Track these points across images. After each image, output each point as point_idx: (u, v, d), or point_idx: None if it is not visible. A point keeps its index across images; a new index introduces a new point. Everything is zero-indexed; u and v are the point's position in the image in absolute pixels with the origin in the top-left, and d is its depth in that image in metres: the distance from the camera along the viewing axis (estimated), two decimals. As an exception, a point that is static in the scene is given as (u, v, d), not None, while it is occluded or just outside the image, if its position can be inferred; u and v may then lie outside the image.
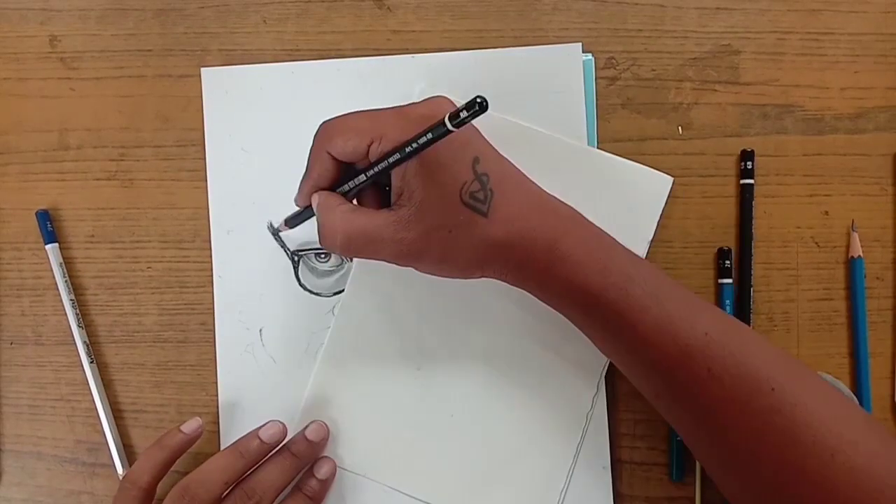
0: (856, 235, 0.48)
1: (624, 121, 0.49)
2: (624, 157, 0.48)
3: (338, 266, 0.49)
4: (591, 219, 0.43)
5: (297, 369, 0.48)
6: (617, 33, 0.50)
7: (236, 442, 0.46)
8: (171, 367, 0.50)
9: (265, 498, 0.43)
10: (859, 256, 0.48)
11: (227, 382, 0.49)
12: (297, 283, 0.49)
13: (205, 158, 0.50)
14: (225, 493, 0.44)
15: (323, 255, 0.49)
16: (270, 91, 0.50)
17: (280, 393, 0.48)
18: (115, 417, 0.49)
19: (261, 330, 0.49)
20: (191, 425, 0.46)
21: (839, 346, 0.48)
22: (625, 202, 0.48)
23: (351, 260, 0.49)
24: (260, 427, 0.46)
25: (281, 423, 0.46)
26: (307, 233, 0.49)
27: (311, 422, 0.47)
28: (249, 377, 0.49)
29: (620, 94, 0.49)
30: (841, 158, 0.49)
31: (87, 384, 0.49)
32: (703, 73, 0.50)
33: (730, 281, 0.48)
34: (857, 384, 0.48)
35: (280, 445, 0.46)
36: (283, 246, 0.49)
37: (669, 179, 0.48)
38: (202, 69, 0.50)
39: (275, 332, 0.49)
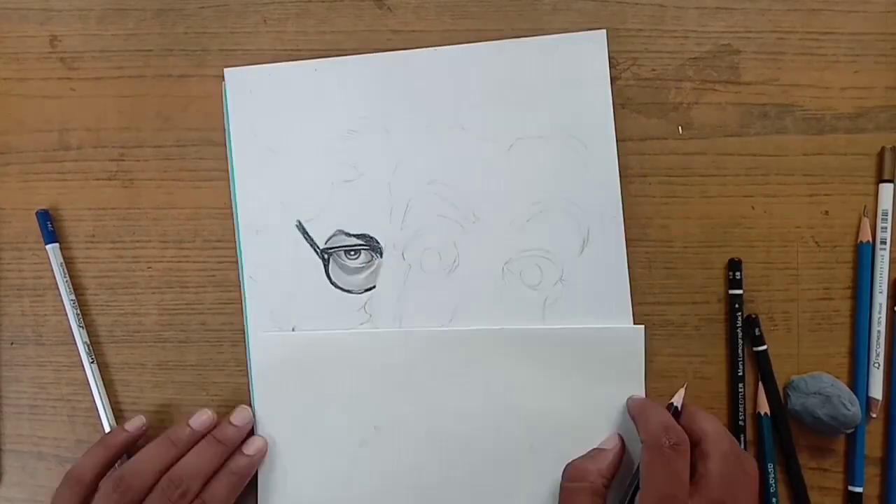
0: (867, 221, 0.48)
1: (624, 121, 0.49)
2: (585, 325, 0.48)
3: (367, 262, 0.49)
4: (576, 396, 0.47)
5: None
6: (617, 33, 0.50)
7: (167, 431, 0.46)
8: (172, 367, 0.50)
9: (192, 485, 0.44)
10: (868, 241, 0.48)
11: (259, 384, 0.49)
12: (327, 281, 0.49)
13: (205, 159, 0.50)
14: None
15: (352, 252, 0.49)
16: (294, 89, 0.50)
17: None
18: (116, 417, 0.49)
19: (293, 328, 0.49)
20: (134, 423, 0.47)
21: (839, 345, 0.48)
22: (607, 369, 0.48)
23: (381, 255, 0.49)
24: (190, 415, 0.47)
25: (210, 411, 0.47)
26: (335, 230, 0.49)
27: (237, 407, 0.48)
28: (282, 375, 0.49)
29: (620, 94, 0.49)
30: (841, 158, 0.49)
31: (88, 384, 0.49)
32: (703, 72, 0.50)
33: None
34: (855, 380, 0.48)
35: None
36: (313, 244, 0.49)
37: (640, 329, 0.48)
38: (225, 70, 0.50)
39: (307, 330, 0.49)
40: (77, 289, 0.50)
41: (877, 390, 0.47)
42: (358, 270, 0.49)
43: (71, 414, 0.50)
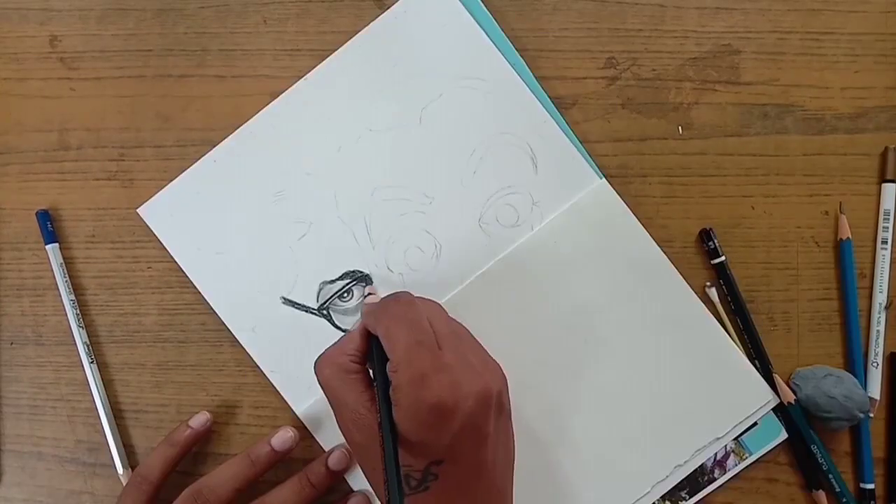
0: (843, 217, 0.48)
1: (624, 121, 0.49)
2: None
3: (363, 296, 0.49)
4: (597, 274, 0.47)
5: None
6: (617, 33, 0.50)
7: (248, 449, 0.46)
8: (172, 367, 0.50)
9: None
10: (847, 238, 0.48)
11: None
12: (337, 331, 0.49)
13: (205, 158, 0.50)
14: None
15: (345, 294, 0.49)
16: (206, 189, 0.49)
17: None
18: (116, 417, 0.49)
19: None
20: (199, 419, 0.47)
21: (839, 345, 0.48)
22: (603, 234, 0.48)
23: (371, 281, 0.49)
24: (272, 434, 0.46)
25: (293, 430, 0.46)
26: (319, 284, 0.49)
27: (334, 448, 0.47)
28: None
29: (620, 94, 0.49)
30: (841, 158, 0.49)
31: (88, 384, 0.49)
32: (703, 72, 0.50)
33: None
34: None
35: (300, 470, 0.46)
36: (307, 309, 0.49)
37: (603, 182, 0.48)
38: (138, 210, 0.49)
39: None
40: (77, 289, 0.50)
41: (875, 390, 0.47)
42: (358, 306, 0.49)
43: (71, 414, 0.50)
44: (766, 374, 0.48)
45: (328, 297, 0.49)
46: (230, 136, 0.49)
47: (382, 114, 0.49)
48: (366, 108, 0.49)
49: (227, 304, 0.49)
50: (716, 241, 0.48)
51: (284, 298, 0.49)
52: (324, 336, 0.48)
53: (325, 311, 0.49)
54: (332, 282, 0.49)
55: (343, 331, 0.49)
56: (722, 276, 0.48)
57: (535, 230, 0.48)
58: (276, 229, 0.49)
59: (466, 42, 0.49)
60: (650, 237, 0.48)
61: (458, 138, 0.49)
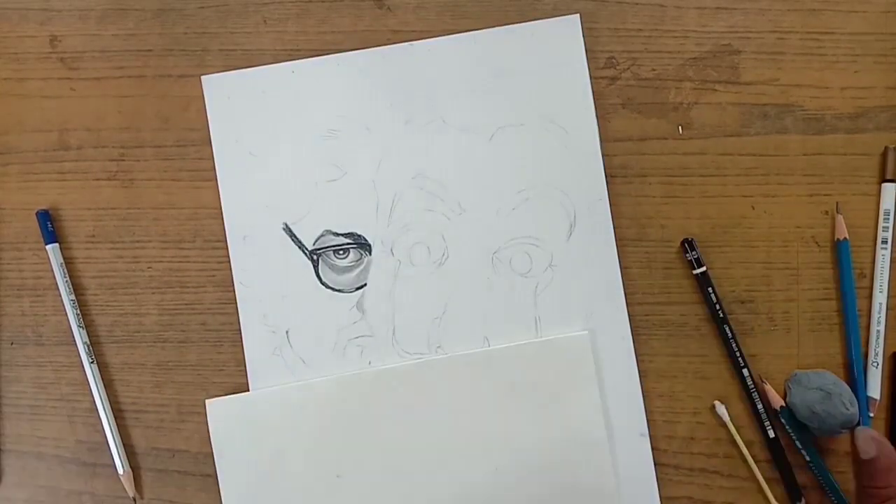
0: (840, 218, 0.48)
1: (624, 121, 0.49)
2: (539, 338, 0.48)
3: (357, 261, 0.49)
4: (534, 412, 0.46)
5: (326, 367, 0.49)
6: (617, 33, 0.50)
7: None
8: (172, 367, 0.50)
9: None
10: (845, 238, 0.48)
11: (258, 387, 0.49)
12: (318, 282, 0.49)
13: (205, 159, 0.50)
14: None
15: (341, 252, 0.49)
16: (272, 92, 0.50)
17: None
18: (116, 417, 0.49)
19: (287, 332, 0.49)
20: None
21: (839, 346, 0.48)
22: (560, 380, 0.48)
23: (370, 253, 0.49)
24: None
25: None
26: (323, 230, 0.49)
27: None
28: (280, 380, 0.49)
29: (620, 94, 0.49)
30: (841, 158, 0.49)
31: (88, 384, 0.49)
32: (703, 72, 0.50)
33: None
34: (850, 379, 0.48)
35: None
36: (301, 246, 0.49)
37: (586, 335, 0.48)
38: (202, 77, 0.50)
39: (301, 333, 0.49)
40: (77, 289, 0.50)
41: (875, 390, 0.47)
42: (348, 269, 0.49)
43: (71, 414, 0.50)
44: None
45: (325, 246, 0.49)
46: (315, 58, 0.50)
47: (461, 113, 0.49)
48: (451, 99, 0.49)
49: (234, 204, 0.49)
50: (697, 251, 0.48)
51: (286, 226, 0.49)
52: (302, 281, 0.49)
53: (315, 257, 0.49)
54: (337, 235, 0.49)
55: (324, 284, 0.49)
56: (703, 287, 0.48)
57: (538, 308, 0.48)
58: (313, 161, 0.49)
59: (571, 92, 0.49)
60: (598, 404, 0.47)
61: (515, 171, 0.49)
